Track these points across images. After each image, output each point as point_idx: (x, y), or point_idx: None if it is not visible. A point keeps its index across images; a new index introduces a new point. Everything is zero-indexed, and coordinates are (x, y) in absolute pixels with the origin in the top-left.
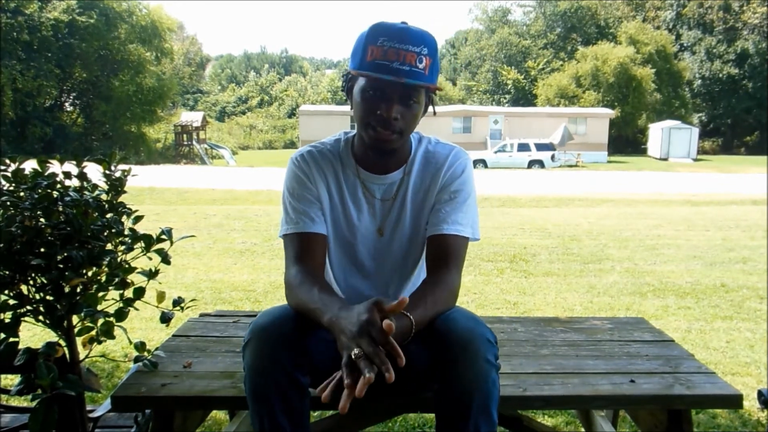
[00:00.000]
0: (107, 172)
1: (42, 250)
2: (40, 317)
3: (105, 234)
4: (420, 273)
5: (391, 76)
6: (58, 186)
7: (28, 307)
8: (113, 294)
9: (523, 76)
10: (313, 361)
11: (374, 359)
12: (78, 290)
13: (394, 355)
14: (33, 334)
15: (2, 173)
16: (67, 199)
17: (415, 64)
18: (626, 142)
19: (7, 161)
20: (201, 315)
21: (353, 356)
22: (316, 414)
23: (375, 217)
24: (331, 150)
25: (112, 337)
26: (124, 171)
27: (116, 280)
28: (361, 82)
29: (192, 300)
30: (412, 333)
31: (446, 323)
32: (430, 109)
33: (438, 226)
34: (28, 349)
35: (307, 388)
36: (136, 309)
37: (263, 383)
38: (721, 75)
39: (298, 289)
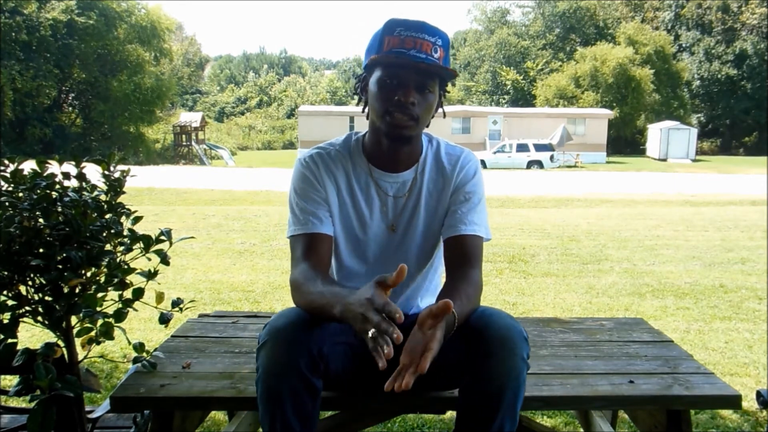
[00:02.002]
0: (106, 172)
1: (41, 250)
2: (39, 318)
3: (104, 234)
4: (432, 272)
5: (409, 61)
6: (57, 186)
7: (27, 308)
8: (112, 295)
9: (522, 77)
10: (327, 365)
11: (381, 326)
12: (77, 291)
13: (392, 314)
14: (32, 335)
15: (1, 174)
16: (66, 199)
17: (431, 53)
18: (625, 142)
19: (6, 162)
20: (200, 316)
21: (371, 336)
22: None
23: (387, 214)
24: (340, 150)
25: (111, 338)
26: (123, 171)
27: (115, 280)
28: (377, 73)
29: (191, 301)
30: (455, 326)
31: (484, 319)
32: (439, 111)
33: (456, 227)
34: (26, 350)
35: (319, 391)
36: (135, 310)
37: (277, 385)
38: (719, 76)
39: (305, 287)
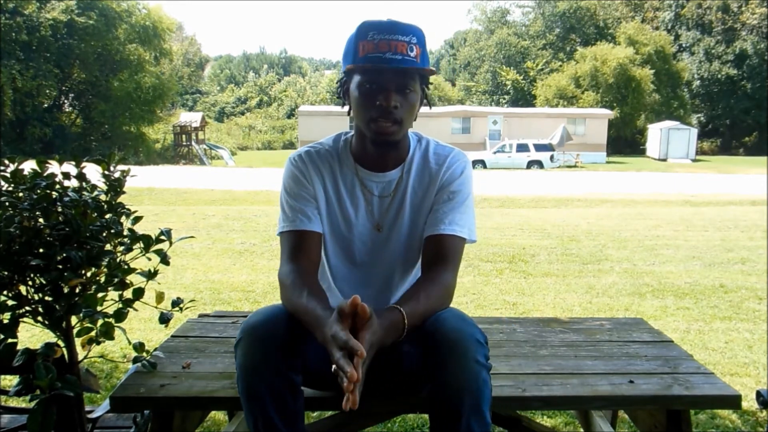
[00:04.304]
0: (106, 172)
1: (41, 250)
2: (39, 318)
3: (104, 234)
4: (419, 272)
5: (386, 65)
6: (57, 186)
7: (27, 308)
8: (112, 294)
9: (522, 77)
10: (305, 361)
11: (339, 363)
12: (77, 291)
13: (354, 351)
14: (32, 335)
15: (1, 174)
16: (66, 199)
17: (407, 53)
18: (625, 142)
19: (6, 162)
20: (200, 316)
21: (333, 372)
22: (315, 415)
23: (372, 213)
24: (329, 150)
25: (111, 338)
26: (123, 171)
27: (115, 280)
28: (356, 78)
29: (191, 300)
30: (405, 325)
31: (435, 324)
32: (433, 110)
33: (435, 226)
34: (26, 350)
35: (300, 387)
36: (135, 309)
37: (255, 383)
38: (719, 76)
39: (290, 292)
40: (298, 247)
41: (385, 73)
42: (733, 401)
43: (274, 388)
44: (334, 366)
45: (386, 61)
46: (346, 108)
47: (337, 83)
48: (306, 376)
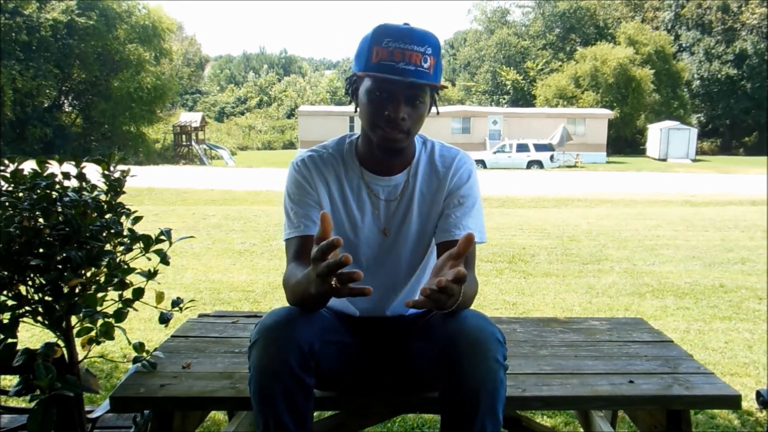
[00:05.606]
0: (106, 172)
1: (41, 250)
2: (39, 318)
3: (104, 234)
4: (425, 275)
5: (398, 77)
6: (57, 186)
7: (27, 308)
8: (112, 294)
9: (522, 77)
10: (319, 364)
11: (330, 266)
12: (77, 291)
13: (331, 244)
14: (32, 335)
15: (1, 174)
16: (66, 199)
17: (420, 64)
18: (625, 142)
19: (6, 162)
20: (200, 315)
21: (324, 272)
22: (315, 414)
23: (379, 217)
24: (332, 153)
25: (111, 338)
26: (123, 171)
27: (115, 280)
28: (367, 83)
29: (191, 300)
30: (458, 299)
31: (456, 321)
32: (433, 110)
33: (450, 232)
34: (26, 350)
35: (312, 389)
36: (135, 309)
37: (269, 383)
38: (719, 75)
39: (289, 281)
40: (303, 252)
41: (396, 84)
42: (733, 401)
43: (288, 390)
44: (334, 280)
45: (399, 72)
46: (353, 106)
47: (346, 80)
48: (319, 379)
